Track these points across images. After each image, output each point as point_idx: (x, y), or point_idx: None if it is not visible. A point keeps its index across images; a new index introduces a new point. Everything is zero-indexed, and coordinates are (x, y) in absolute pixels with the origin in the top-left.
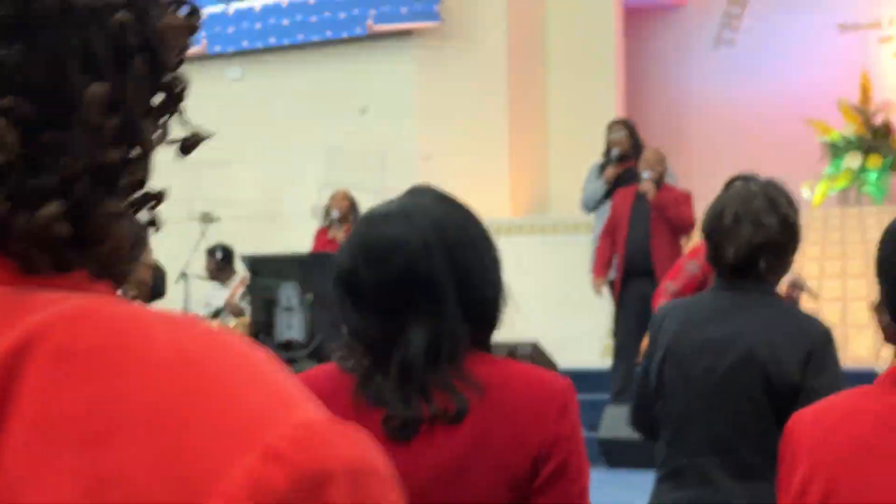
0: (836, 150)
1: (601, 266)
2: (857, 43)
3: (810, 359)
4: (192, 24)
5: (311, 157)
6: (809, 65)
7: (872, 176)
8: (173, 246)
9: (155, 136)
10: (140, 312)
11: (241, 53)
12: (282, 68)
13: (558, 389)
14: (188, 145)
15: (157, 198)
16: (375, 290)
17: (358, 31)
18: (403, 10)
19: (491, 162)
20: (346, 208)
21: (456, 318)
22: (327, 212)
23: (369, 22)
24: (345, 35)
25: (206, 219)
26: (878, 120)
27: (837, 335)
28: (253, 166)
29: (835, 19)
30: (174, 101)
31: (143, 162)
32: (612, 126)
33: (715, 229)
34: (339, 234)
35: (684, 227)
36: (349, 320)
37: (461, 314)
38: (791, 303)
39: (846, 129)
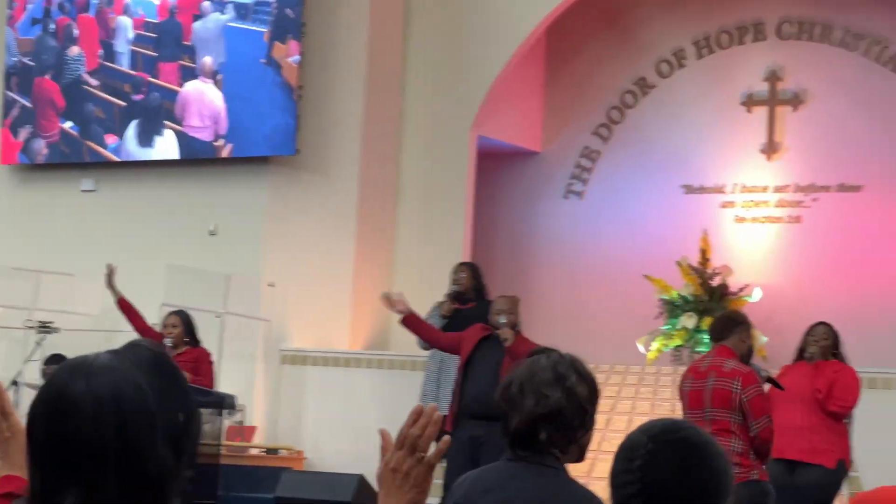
0: (673, 309)
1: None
2: (700, 205)
3: None
4: None
5: (155, 275)
6: (653, 222)
7: (707, 337)
8: (7, 353)
9: None
10: None
11: (95, 165)
12: (134, 184)
13: None
14: None
15: None
16: (44, 443)
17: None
18: (260, 139)
19: (335, 294)
20: (178, 336)
21: (112, 494)
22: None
23: (228, 147)
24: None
25: (45, 328)
26: (715, 282)
27: None
28: (97, 279)
29: (680, 180)
30: None
31: None
32: (457, 267)
33: (504, 398)
34: None
35: None
36: (28, 465)
37: (119, 488)
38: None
39: (685, 288)
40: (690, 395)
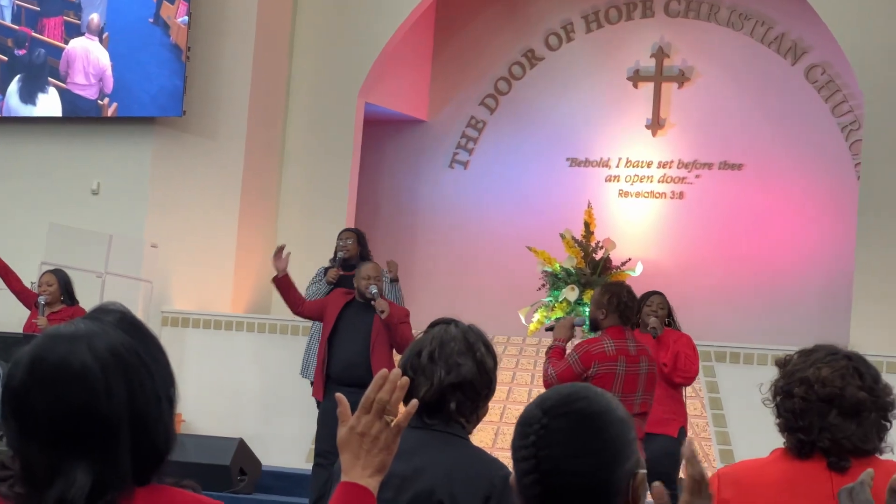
0: (555, 281)
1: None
2: (584, 179)
3: (488, 503)
4: None
5: (36, 234)
6: (537, 194)
7: (587, 310)
8: None
9: None
10: None
11: None
12: (15, 141)
13: None
14: None
15: None
16: (44, 417)
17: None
18: (146, 99)
19: (217, 256)
20: (53, 294)
21: (125, 463)
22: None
23: (113, 107)
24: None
25: None
26: (598, 255)
27: None
28: None
29: (565, 153)
30: None
31: None
32: (343, 233)
33: (411, 367)
34: (44, 322)
35: (404, 348)
36: (12, 440)
37: (131, 456)
38: None
39: (567, 261)
40: (627, 378)
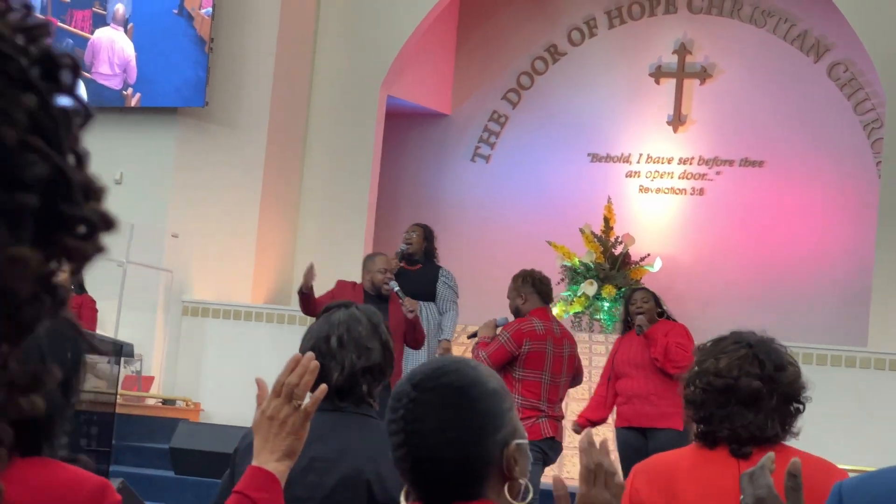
0: (574, 275)
1: None
2: (605, 174)
3: None
4: None
5: None
6: (558, 189)
7: (606, 304)
8: None
9: None
10: None
11: None
12: None
13: (88, 491)
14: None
15: None
16: None
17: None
18: (170, 90)
19: (238, 247)
20: (62, 282)
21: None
22: None
23: (136, 97)
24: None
25: None
26: (617, 251)
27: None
28: None
29: (586, 148)
30: None
31: None
32: (410, 227)
33: (320, 352)
34: None
35: (420, 344)
36: None
37: (9, 427)
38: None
39: (587, 256)
40: (555, 359)
